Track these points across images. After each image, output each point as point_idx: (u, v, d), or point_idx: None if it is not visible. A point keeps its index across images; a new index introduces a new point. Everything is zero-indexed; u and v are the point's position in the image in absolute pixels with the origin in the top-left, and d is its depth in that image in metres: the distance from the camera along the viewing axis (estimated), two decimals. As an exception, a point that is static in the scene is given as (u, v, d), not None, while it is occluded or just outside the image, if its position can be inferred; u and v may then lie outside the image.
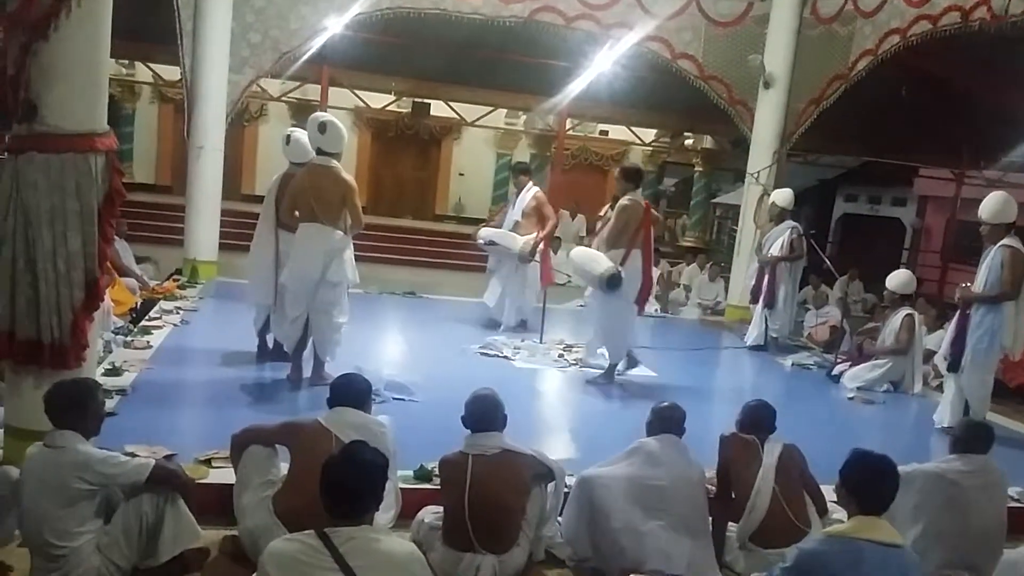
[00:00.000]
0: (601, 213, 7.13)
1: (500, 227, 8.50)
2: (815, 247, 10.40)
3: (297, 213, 5.70)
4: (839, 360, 8.17)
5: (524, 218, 8.29)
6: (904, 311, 7.66)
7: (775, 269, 8.87)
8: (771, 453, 3.93)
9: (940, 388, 7.06)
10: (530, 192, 8.39)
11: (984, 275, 6.17)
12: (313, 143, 5.74)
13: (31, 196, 3.58)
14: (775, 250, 8.90)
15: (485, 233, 8.41)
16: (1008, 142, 11.76)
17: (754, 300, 9.17)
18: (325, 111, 14.01)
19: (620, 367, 7.02)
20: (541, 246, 8.24)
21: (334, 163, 5.65)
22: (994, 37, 7.99)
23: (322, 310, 5.67)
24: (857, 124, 12.39)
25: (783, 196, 9.10)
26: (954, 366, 6.33)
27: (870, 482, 2.91)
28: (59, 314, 3.66)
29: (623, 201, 6.61)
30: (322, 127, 5.64)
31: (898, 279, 7.85)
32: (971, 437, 4.08)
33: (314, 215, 5.58)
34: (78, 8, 3.58)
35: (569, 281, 13.35)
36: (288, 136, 6.26)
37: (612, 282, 6.43)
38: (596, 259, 6.61)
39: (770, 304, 8.91)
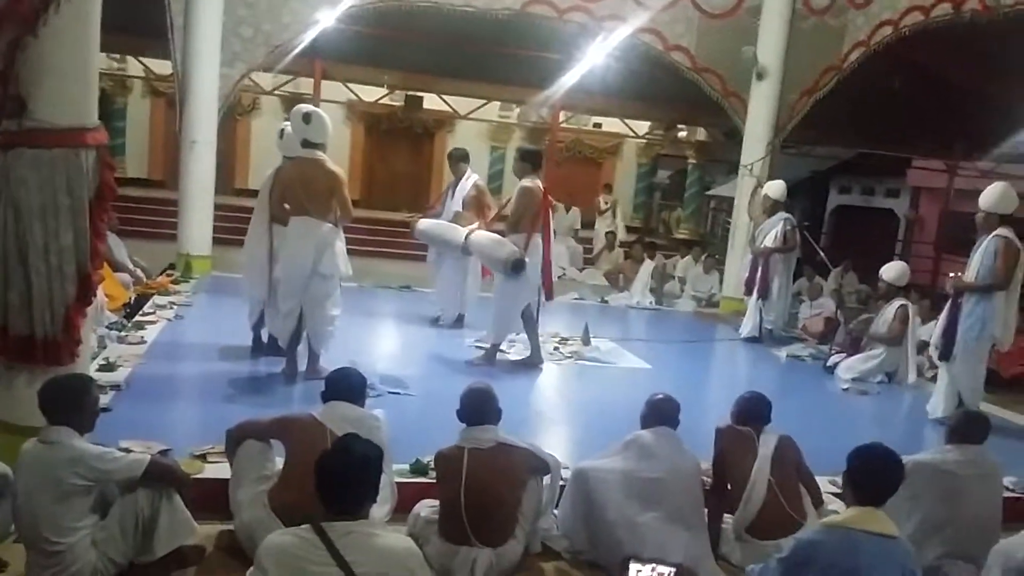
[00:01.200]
0: (503, 202, 7.13)
1: (438, 218, 8.03)
2: (809, 239, 10.44)
3: (287, 206, 5.69)
4: (833, 351, 8.19)
5: (465, 208, 7.88)
6: (898, 302, 7.68)
7: (768, 261, 8.90)
8: (767, 445, 3.94)
9: (935, 379, 7.07)
10: (470, 180, 8.02)
11: (976, 264, 6.18)
12: (298, 134, 5.69)
13: (21, 192, 3.56)
14: (768, 242, 8.93)
15: (424, 226, 7.92)
16: (1001, 133, 11.79)
17: (748, 292, 9.18)
18: (318, 105, 13.95)
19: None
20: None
21: (320, 154, 5.64)
22: (986, 28, 8.00)
23: (316, 303, 5.67)
24: (850, 115, 12.39)
25: (775, 188, 9.12)
26: (945, 355, 6.35)
27: (867, 473, 2.94)
28: (52, 310, 3.64)
29: (524, 183, 6.60)
30: (306, 117, 5.63)
31: (893, 271, 7.86)
32: (967, 428, 4.09)
33: (304, 208, 5.58)
34: (68, 3, 3.55)
35: (564, 274, 13.40)
36: (282, 131, 6.24)
37: (516, 266, 6.46)
38: (500, 243, 6.68)
39: (764, 295, 8.93)
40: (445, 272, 8.06)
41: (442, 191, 8.07)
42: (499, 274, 6.72)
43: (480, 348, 7.31)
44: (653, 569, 3.39)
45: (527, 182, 6.59)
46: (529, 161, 6.71)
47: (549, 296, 6.89)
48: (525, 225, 6.57)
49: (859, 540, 2.77)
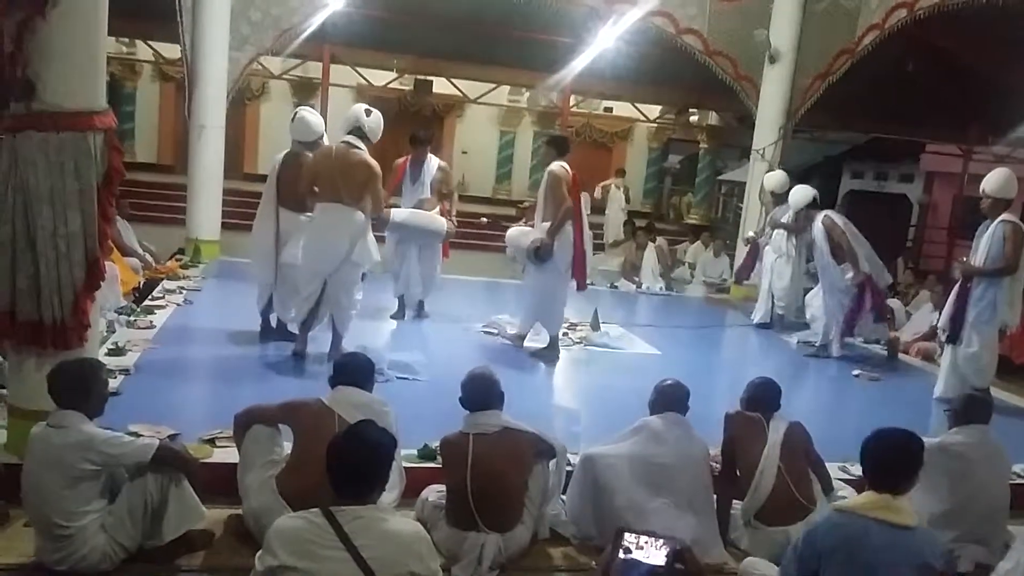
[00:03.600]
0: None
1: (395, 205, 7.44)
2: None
3: (316, 189, 5.72)
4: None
5: (432, 193, 7.45)
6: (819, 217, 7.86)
7: (757, 246, 9.21)
8: (776, 431, 3.92)
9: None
10: (434, 163, 7.51)
11: (984, 249, 6.21)
12: (352, 123, 5.76)
13: (30, 175, 3.54)
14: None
15: (401, 217, 7.24)
16: (1016, 117, 11.65)
17: (738, 280, 9.67)
18: (327, 89, 13.90)
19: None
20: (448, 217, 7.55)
21: (362, 146, 5.72)
22: (1002, 11, 7.90)
23: (344, 288, 5.76)
24: (864, 99, 12.28)
25: (774, 180, 9.08)
26: (953, 338, 6.38)
27: (881, 458, 2.85)
28: (60, 294, 3.63)
29: (550, 168, 6.51)
30: (368, 111, 5.81)
31: (797, 194, 8.40)
32: (971, 408, 4.13)
33: (338, 195, 5.62)
34: (76, -16, 3.54)
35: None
36: (295, 115, 6.26)
37: (539, 253, 6.39)
38: (526, 233, 6.67)
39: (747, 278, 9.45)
40: (411, 260, 7.50)
41: (398, 176, 7.46)
42: (529, 264, 6.66)
43: (489, 333, 7.32)
44: (646, 541, 3.38)
45: (553, 166, 6.49)
46: (555, 147, 6.65)
47: (580, 286, 6.73)
48: (550, 211, 6.45)
49: (869, 528, 2.70)
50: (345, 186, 5.60)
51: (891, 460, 2.84)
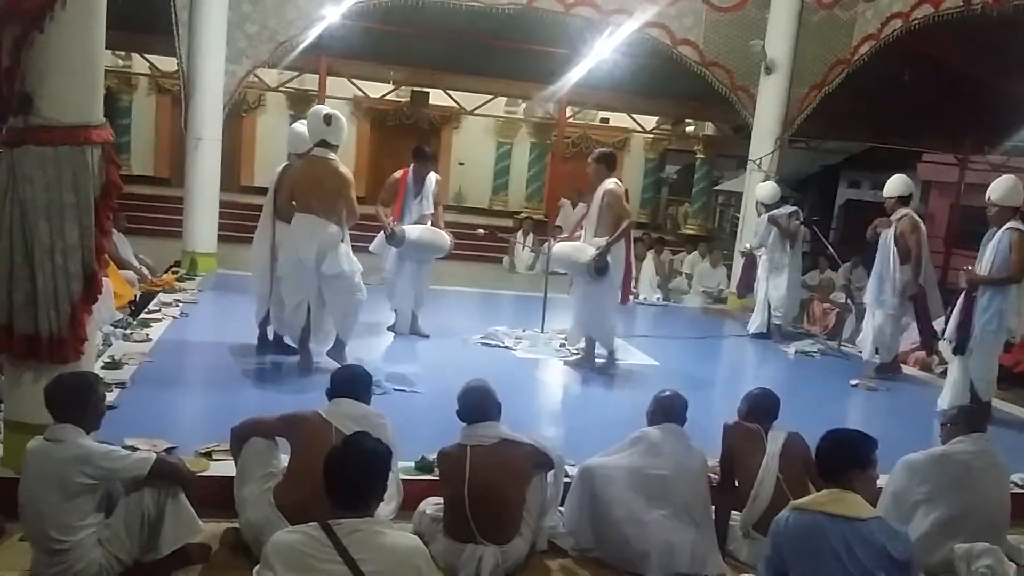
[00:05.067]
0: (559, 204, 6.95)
1: (401, 221, 7.14)
2: (818, 234, 10.39)
3: (294, 203, 5.72)
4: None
5: (434, 208, 7.36)
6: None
7: (754, 259, 9.19)
8: (775, 441, 3.93)
9: (945, 374, 7.00)
10: (432, 177, 7.37)
11: (990, 258, 6.14)
12: (317, 135, 5.70)
13: (27, 189, 3.54)
14: (771, 236, 8.93)
15: (415, 235, 7.05)
16: (1012, 126, 11.73)
17: (741, 294, 9.63)
18: (324, 101, 13.93)
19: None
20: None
21: (332, 155, 5.68)
22: (997, 21, 7.94)
23: (339, 296, 5.73)
24: (860, 109, 12.34)
25: (764, 191, 9.10)
26: (960, 349, 6.29)
27: (826, 455, 2.96)
28: (57, 308, 3.63)
29: (608, 186, 6.46)
30: (327, 119, 5.67)
31: (893, 183, 7.76)
32: (972, 417, 4.12)
33: (310, 206, 5.61)
34: (73, -1, 3.54)
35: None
36: (292, 128, 6.28)
37: (600, 268, 6.37)
38: (581, 248, 6.59)
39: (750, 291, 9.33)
40: (405, 275, 7.36)
41: (400, 191, 7.22)
42: (581, 278, 6.61)
43: (487, 344, 7.31)
44: None
45: (610, 184, 6.47)
46: (605, 163, 6.61)
47: (624, 300, 6.74)
48: (609, 228, 6.43)
49: (823, 522, 2.76)
50: (316, 197, 5.59)
51: (836, 456, 2.92)
